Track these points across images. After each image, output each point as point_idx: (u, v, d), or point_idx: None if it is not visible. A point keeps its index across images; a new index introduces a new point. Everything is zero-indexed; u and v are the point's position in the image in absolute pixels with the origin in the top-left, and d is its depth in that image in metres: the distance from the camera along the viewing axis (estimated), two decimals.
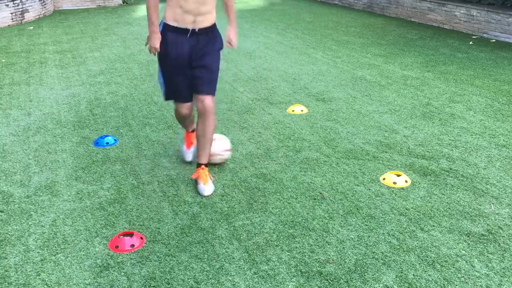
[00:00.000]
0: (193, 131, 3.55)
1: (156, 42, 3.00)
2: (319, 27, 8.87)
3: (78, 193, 3.21)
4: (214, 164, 3.48)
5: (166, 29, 3.02)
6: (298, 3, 12.07)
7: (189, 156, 3.58)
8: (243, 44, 7.39)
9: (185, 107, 3.22)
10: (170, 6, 2.97)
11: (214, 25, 3.10)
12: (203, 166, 3.21)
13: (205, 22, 3.01)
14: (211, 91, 3.11)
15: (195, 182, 3.25)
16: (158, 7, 2.99)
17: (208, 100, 3.07)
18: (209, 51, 3.07)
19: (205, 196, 3.13)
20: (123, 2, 12.04)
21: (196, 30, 3.00)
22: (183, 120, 3.39)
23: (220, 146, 3.45)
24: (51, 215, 2.96)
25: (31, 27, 9.08)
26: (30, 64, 6.46)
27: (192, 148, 3.57)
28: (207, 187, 3.14)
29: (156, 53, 3.07)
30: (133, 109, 4.73)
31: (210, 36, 3.08)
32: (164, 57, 3.07)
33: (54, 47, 7.48)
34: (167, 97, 3.22)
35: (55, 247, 2.65)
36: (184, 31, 2.99)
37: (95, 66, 6.34)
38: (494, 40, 7.47)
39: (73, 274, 2.45)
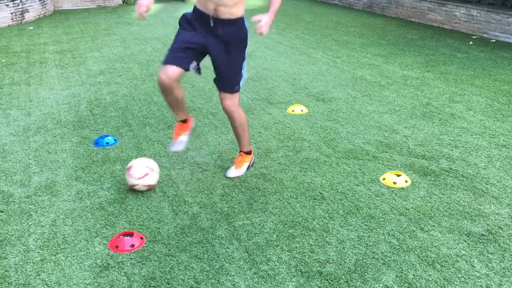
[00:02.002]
0: (182, 121, 3.31)
1: (142, 7, 2.80)
2: (319, 27, 8.87)
3: (78, 193, 3.21)
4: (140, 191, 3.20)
5: (193, 10, 3.05)
6: (298, 3, 12.07)
7: (173, 146, 3.29)
8: None
9: (166, 71, 2.94)
10: None
11: (239, 20, 3.00)
12: (241, 153, 3.42)
13: (227, 14, 2.93)
14: (225, 89, 3.14)
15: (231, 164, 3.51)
16: None
17: (225, 100, 3.16)
18: (230, 47, 3.03)
19: (228, 177, 3.37)
20: (123, 2, 12.04)
21: (217, 19, 2.95)
22: (163, 91, 3.03)
23: (136, 173, 3.12)
24: (51, 215, 2.96)
25: (31, 27, 9.08)
26: (30, 64, 6.46)
27: (180, 138, 3.30)
28: (232, 170, 3.39)
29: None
30: (133, 109, 4.73)
31: (232, 31, 2.99)
32: (181, 24, 3.06)
33: (54, 47, 7.48)
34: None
35: (55, 247, 2.65)
36: (207, 16, 2.95)
37: (95, 66, 6.34)
38: (494, 40, 7.47)
39: (73, 274, 2.45)
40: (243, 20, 3.05)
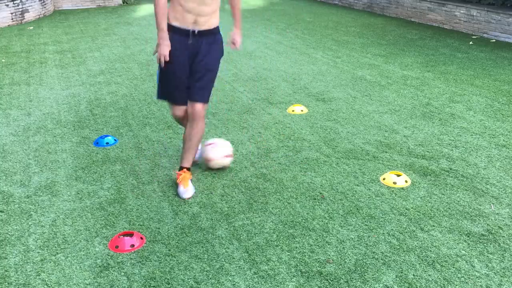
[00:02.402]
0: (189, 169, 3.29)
1: (166, 49, 2.91)
2: (319, 27, 8.87)
3: (78, 193, 3.21)
4: (212, 169, 3.45)
5: (168, 29, 2.96)
6: (298, 3, 12.07)
7: (189, 193, 3.19)
8: (243, 44, 7.39)
9: (179, 110, 3.16)
10: (172, 4, 2.95)
11: (216, 29, 3.04)
12: (185, 169, 3.18)
13: (206, 24, 2.95)
14: (202, 99, 3.08)
15: (176, 184, 3.23)
16: (167, 14, 2.93)
17: (198, 106, 3.06)
18: (208, 57, 3.03)
19: (184, 199, 3.09)
20: (123, 2, 12.04)
21: (196, 32, 2.95)
22: (179, 121, 3.32)
23: (221, 152, 3.40)
24: (51, 215, 2.96)
25: (31, 27, 9.08)
26: (30, 64, 6.46)
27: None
28: (187, 190, 3.12)
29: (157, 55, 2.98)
30: (133, 109, 4.73)
31: (211, 41, 3.02)
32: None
33: (54, 47, 7.48)
34: (159, 97, 3.19)
35: (55, 247, 2.65)
36: (185, 32, 2.95)
37: (95, 66, 6.34)
38: (494, 40, 7.46)
39: (73, 274, 2.45)
40: (219, 29, 3.08)
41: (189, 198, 3.10)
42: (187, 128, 3.17)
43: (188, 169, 3.21)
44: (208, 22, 2.96)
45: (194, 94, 3.06)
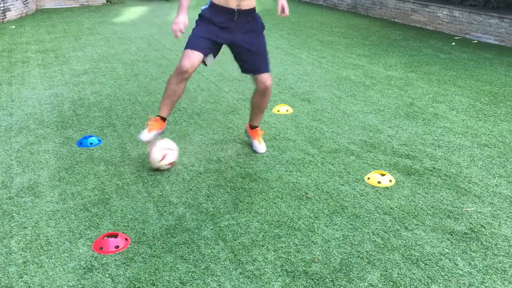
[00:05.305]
0: (162, 118, 3.44)
1: (176, 26, 3.10)
2: (304, 27, 8.90)
3: (62, 194, 3.17)
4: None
5: (212, 6, 3.23)
6: None
7: (145, 136, 3.39)
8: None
9: (191, 57, 3.16)
10: None
11: (254, 9, 3.31)
12: (258, 128, 3.76)
13: (247, 5, 3.23)
14: (268, 68, 3.41)
15: (251, 141, 3.79)
16: None
17: (268, 80, 3.40)
18: (254, 31, 3.32)
19: (260, 153, 3.69)
20: (107, 1, 11.93)
21: (241, 10, 3.20)
22: (181, 74, 3.18)
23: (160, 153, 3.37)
24: (34, 216, 2.92)
25: (13, 26, 8.95)
26: (12, 64, 6.37)
27: (153, 133, 3.42)
28: (262, 146, 3.75)
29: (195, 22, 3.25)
30: (117, 109, 4.69)
31: (251, 17, 3.29)
32: (202, 20, 3.28)
33: (37, 46, 7.39)
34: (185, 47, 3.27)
35: (38, 249, 2.62)
36: (229, 10, 3.19)
37: (79, 65, 6.28)
38: (476, 41, 7.57)
39: (57, 276, 2.42)
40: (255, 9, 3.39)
41: (264, 153, 3.70)
42: (258, 98, 3.51)
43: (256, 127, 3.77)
44: (249, 4, 3.23)
45: (261, 67, 3.35)
